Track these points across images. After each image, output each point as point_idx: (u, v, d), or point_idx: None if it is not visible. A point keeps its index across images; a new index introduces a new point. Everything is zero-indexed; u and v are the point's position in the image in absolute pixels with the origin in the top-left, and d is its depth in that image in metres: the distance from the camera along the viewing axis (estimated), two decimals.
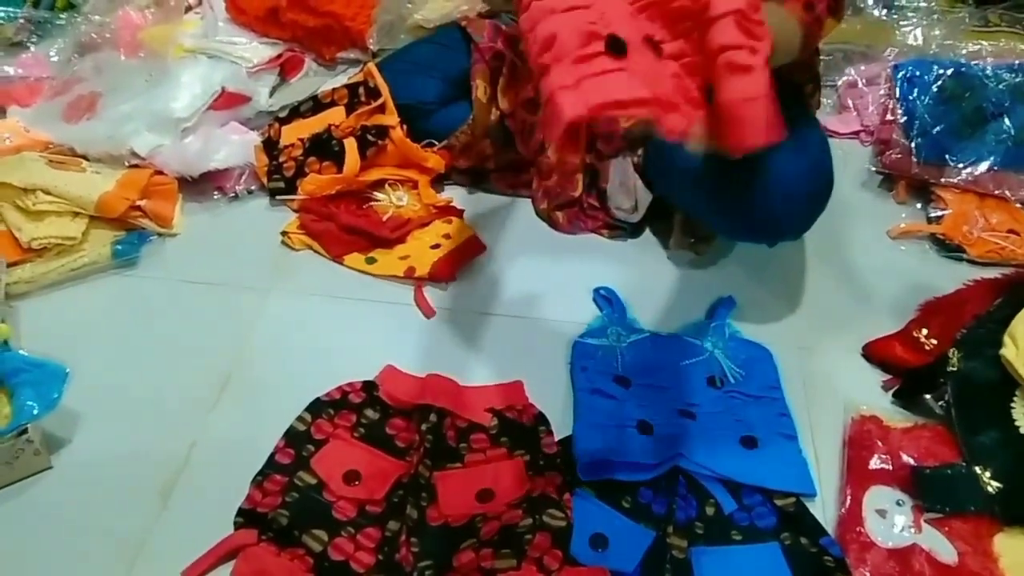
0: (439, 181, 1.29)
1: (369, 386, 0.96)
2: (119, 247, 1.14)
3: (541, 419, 0.94)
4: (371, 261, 1.16)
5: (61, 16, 1.53)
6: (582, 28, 0.72)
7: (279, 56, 1.47)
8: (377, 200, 1.22)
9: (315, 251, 1.18)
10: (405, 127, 1.24)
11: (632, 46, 0.73)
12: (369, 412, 0.94)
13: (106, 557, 0.82)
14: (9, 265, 1.08)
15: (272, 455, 0.89)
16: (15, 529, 0.84)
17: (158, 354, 1.03)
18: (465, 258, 1.15)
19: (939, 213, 1.23)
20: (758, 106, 0.71)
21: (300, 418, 0.92)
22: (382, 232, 1.17)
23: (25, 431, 0.85)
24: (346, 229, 1.17)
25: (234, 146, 1.28)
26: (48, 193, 1.12)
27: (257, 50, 1.45)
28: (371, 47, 1.51)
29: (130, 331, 1.06)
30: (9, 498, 0.87)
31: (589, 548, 0.81)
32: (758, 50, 0.71)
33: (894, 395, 0.98)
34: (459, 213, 1.22)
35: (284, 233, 1.20)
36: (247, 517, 0.84)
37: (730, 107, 0.71)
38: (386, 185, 1.23)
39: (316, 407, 0.94)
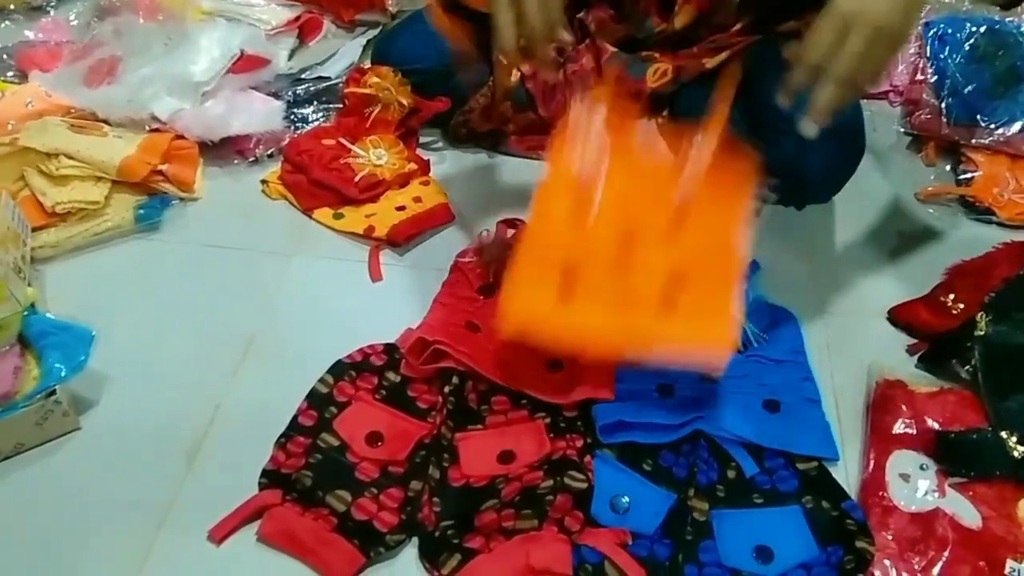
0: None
1: (391, 349, 0.97)
2: (142, 211, 1.15)
3: None
4: (338, 216, 1.16)
5: None
6: None
7: (297, 18, 1.45)
8: (356, 156, 1.20)
9: (289, 202, 1.19)
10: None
11: None
12: (390, 374, 0.94)
13: (134, 517, 0.83)
14: (34, 230, 1.09)
15: (295, 417, 0.90)
16: (45, 489, 0.86)
17: (182, 317, 1.03)
18: (428, 224, 1.14)
19: (969, 175, 1.21)
20: None
21: (322, 380, 0.93)
22: (350, 191, 1.16)
23: (54, 392, 0.86)
24: (316, 183, 1.18)
25: (256, 112, 1.27)
26: (71, 158, 1.12)
27: (275, 12, 1.43)
28: (390, 8, 1.49)
29: (154, 295, 1.07)
30: (39, 458, 0.88)
31: (610, 510, 0.82)
32: None
33: (920, 360, 0.97)
34: (426, 170, 1.23)
35: (264, 181, 1.21)
36: (271, 478, 0.85)
37: None
38: (367, 140, 1.22)
39: (338, 369, 0.94)
